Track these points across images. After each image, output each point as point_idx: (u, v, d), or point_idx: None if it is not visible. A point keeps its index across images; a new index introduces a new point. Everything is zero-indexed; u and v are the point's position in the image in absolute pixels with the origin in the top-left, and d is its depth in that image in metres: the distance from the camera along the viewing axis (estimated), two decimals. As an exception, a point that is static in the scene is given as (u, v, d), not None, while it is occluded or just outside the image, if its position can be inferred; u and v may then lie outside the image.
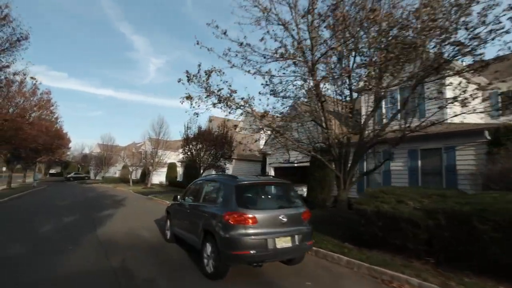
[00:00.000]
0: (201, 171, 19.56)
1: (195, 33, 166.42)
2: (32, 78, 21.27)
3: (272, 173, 18.40)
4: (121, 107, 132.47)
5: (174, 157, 40.39)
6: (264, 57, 7.06)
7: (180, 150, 38.20)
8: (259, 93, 7.51)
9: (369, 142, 7.39)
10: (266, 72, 7.16)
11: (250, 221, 4.10)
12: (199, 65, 7.23)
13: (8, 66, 11.57)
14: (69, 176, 52.12)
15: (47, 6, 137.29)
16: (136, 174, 48.60)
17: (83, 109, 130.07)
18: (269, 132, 10.30)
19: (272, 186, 4.97)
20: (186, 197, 6.23)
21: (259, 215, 4.18)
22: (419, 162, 10.41)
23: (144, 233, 7.78)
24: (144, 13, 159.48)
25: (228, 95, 6.86)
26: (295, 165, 16.25)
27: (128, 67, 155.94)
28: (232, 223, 4.09)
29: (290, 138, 8.21)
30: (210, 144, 18.89)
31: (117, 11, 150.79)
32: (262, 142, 28.22)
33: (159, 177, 45.27)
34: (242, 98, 6.95)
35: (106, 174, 47.23)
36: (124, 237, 7.19)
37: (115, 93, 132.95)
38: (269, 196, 4.79)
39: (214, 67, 6.76)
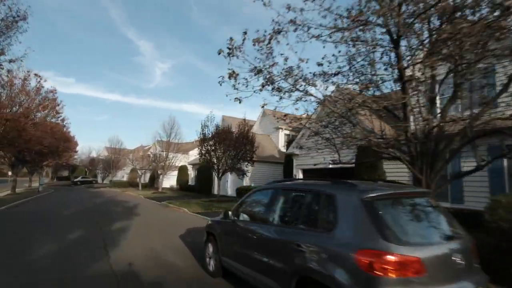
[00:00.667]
0: (219, 174, 17.60)
1: (200, 37, 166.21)
2: (36, 75, 19.76)
3: (300, 176, 16.38)
4: (127, 111, 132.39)
5: (185, 159, 38.71)
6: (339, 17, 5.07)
7: (191, 153, 36.42)
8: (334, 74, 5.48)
9: (475, 132, 5.32)
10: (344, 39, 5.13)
11: (414, 268, 2.11)
12: (245, 33, 5.29)
13: (3, 53, 9.78)
14: (76, 180, 50.81)
15: (55, 12, 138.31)
16: (145, 178, 47.04)
17: (89, 113, 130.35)
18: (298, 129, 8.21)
19: (413, 198, 2.88)
20: (244, 214, 4.16)
21: (425, 255, 2.22)
22: (505, 162, 8.30)
23: (173, 258, 5.80)
24: (150, 18, 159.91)
25: (295, 68, 4.86)
26: (330, 166, 14.23)
27: (135, 71, 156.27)
28: (378, 272, 2.11)
29: (359, 130, 6.19)
30: (230, 144, 16.96)
31: (124, 17, 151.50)
32: (280, 142, 26.26)
33: (168, 180, 43.54)
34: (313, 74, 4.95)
35: (114, 178, 45.70)
36: (147, 265, 5.24)
37: (122, 98, 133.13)
38: (421, 218, 2.73)
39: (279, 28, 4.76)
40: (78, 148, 60.43)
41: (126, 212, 12.64)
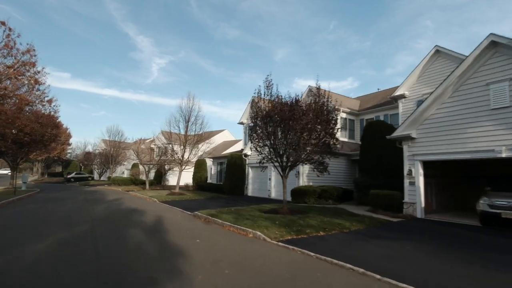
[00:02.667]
0: (286, 170, 11.53)
1: (199, 32, 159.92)
2: (3, 23, 13.49)
3: (419, 172, 10.46)
4: (125, 107, 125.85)
5: (200, 153, 32.71)
6: None
7: (211, 145, 30.22)
8: None
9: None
10: None
11: None
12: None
13: None
14: (69, 176, 44.48)
15: (51, 6, 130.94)
16: (150, 175, 40.89)
17: (86, 109, 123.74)
18: None
19: None
20: None
21: None
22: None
23: None
24: (149, 13, 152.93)
25: None
26: (503, 155, 8.32)
27: (132, 67, 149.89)
28: None
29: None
30: (300, 124, 10.86)
31: (122, 12, 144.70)
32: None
33: (175, 177, 37.59)
34: None
35: (113, 174, 39.45)
36: None
37: (119, 93, 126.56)
38: None
39: None
40: (72, 142, 54.10)
41: (158, 244, 6.65)
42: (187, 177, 40.64)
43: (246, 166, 20.15)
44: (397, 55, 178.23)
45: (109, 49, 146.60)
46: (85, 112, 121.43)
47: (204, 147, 21.50)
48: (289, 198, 15.61)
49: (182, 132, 20.67)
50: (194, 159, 31.78)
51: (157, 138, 41.02)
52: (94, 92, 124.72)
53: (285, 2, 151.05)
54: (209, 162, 27.41)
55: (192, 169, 42.29)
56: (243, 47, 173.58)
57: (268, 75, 11.58)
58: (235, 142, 43.39)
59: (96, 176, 49.03)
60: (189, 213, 11.81)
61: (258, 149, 11.78)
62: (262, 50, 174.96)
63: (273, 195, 17.70)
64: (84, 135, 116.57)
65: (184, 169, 30.54)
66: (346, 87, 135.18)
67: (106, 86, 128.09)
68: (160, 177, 35.40)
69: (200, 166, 25.74)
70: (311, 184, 15.80)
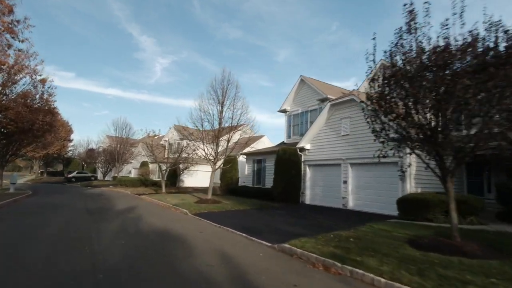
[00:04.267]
0: (455, 166, 6.29)
1: (201, 32, 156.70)
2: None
3: None
4: (127, 106, 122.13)
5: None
6: None
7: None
8: None
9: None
10: None
11: None
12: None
13: None
14: (70, 176, 39.62)
15: (55, 6, 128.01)
16: (160, 175, 35.88)
17: (88, 108, 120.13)
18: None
19: None
20: None
21: None
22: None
23: None
24: (152, 13, 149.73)
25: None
26: None
27: (135, 67, 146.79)
28: None
29: None
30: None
31: (125, 12, 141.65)
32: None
33: (192, 178, 32.57)
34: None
35: (119, 174, 34.45)
36: None
37: (122, 93, 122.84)
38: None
39: None
40: (74, 139, 49.20)
41: None
42: (204, 178, 35.64)
43: (302, 164, 15.00)
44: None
45: (112, 49, 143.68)
46: (87, 111, 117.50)
47: (236, 136, 16.13)
48: (388, 211, 10.42)
49: (216, 119, 15.51)
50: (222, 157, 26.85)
51: (170, 133, 36.12)
52: (96, 91, 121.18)
53: (285, 2, 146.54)
54: (243, 159, 22.25)
55: (210, 168, 37.54)
56: (244, 47, 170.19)
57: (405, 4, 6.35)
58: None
59: (99, 175, 44.11)
60: (267, 244, 6.65)
61: (389, 125, 6.63)
62: (263, 50, 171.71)
63: (352, 204, 12.52)
64: (86, 134, 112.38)
65: (189, 168, 25.57)
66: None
67: (109, 85, 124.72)
68: (174, 177, 30.36)
69: (230, 164, 20.55)
70: (419, 190, 10.62)
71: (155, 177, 34.40)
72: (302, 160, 15.04)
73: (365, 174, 12.16)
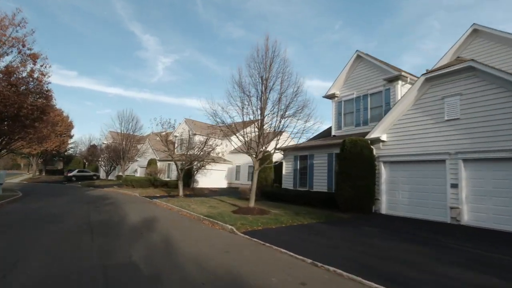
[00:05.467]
0: None
1: (204, 31, 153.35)
2: None
3: None
4: (129, 105, 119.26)
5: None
6: None
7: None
8: None
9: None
10: None
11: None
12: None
13: None
14: (70, 174, 36.01)
15: (57, 4, 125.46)
16: (170, 174, 32.20)
17: (90, 107, 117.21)
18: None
19: None
20: None
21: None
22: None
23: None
24: (154, 12, 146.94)
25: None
26: None
27: (138, 66, 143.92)
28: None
29: None
30: None
31: (128, 10, 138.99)
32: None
33: (208, 178, 28.81)
34: None
35: (125, 173, 30.74)
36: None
37: (124, 92, 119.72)
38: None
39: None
40: (75, 135, 45.14)
41: None
42: (218, 178, 31.92)
43: (376, 161, 11.22)
44: (403, 56, 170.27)
45: (115, 48, 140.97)
46: (90, 110, 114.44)
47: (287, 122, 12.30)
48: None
49: (256, 104, 11.71)
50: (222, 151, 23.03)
51: (180, 128, 32.27)
52: (99, 90, 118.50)
53: (289, 1, 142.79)
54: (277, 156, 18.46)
55: (226, 167, 33.73)
56: (247, 46, 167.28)
57: None
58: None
59: (102, 174, 40.45)
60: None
61: None
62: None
63: (468, 217, 8.71)
64: (88, 132, 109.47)
65: (205, 167, 22.02)
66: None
67: (111, 84, 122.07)
68: (187, 177, 26.61)
69: (264, 163, 16.77)
70: None
71: (164, 177, 30.70)
72: (375, 155, 11.24)
73: (492, 175, 8.36)
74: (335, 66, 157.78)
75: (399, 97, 12.69)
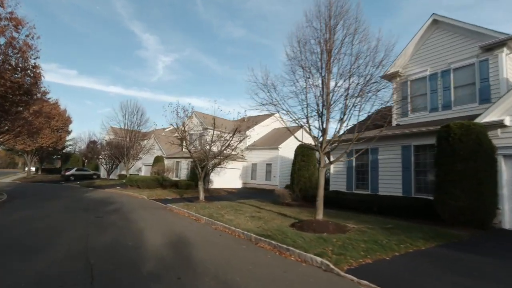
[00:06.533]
0: None
1: (204, 31, 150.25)
2: None
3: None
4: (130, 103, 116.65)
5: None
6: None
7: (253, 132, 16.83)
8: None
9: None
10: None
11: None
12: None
13: None
14: (68, 173, 32.77)
15: (58, 4, 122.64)
16: (179, 173, 28.86)
17: (90, 106, 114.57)
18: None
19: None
20: None
21: None
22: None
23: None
24: (155, 11, 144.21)
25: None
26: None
27: (138, 65, 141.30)
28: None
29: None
30: None
31: (129, 10, 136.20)
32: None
33: (218, 178, 25.49)
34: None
35: (128, 171, 27.45)
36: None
37: (124, 91, 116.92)
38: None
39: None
40: (74, 132, 41.58)
41: None
42: (232, 178, 28.64)
43: (496, 154, 7.92)
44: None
45: (115, 47, 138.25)
46: (89, 109, 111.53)
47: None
48: None
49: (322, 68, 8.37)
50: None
51: (189, 122, 28.57)
52: (99, 89, 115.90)
53: (289, 1, 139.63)
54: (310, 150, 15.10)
55: (240, 165, 30.26)
56: (247, 45, 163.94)
57: None
58: (293, 130, 31.37)
59: (103, 173, 37.19)
60: None
61: None
62: (266, 49, 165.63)
63: None
64: (88, 130, 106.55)
65: (223, 165, 19.24)
66: (353, 84, 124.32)
67: (111, 83, 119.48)
68: (204, 176, 23.32)
69: (303, 158, 13.48)
70: None
71: (173, 176, 27.39)
72: (495, 147, 7.95)
73: None
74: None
75: (504, 70, 9.40)
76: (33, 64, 12.53)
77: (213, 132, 13.98)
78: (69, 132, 39.75)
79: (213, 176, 24.73)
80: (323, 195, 7.98)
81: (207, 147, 14.34)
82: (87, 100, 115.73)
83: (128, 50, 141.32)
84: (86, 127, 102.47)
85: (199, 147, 15.36)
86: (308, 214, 9.58)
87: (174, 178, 26.16)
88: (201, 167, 14.46)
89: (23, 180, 32.93)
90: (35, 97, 12.70)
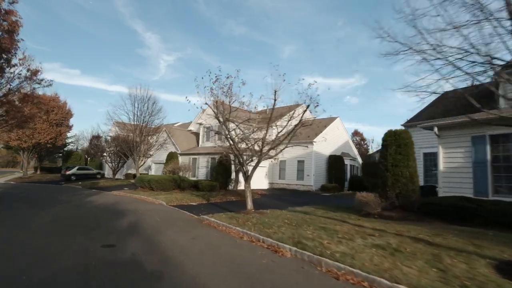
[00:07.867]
0: None
1: (206, 29, 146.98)
2: None
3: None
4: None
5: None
6: None
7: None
8: None
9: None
10: None
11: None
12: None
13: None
14: (69, 173, 28.96)
15: (60, 3, 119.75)
16: (196, 172, 24.92)
17: (92, 105, 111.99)
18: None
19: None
20: None
21: None
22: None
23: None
24: (156, 10, 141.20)
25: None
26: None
27: (140, 64, 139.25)
28: None
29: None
30: None
31: (130, 8, 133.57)
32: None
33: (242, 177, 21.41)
34: None
35: (138, 170, 23.50)
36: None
37: (127, 90, 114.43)
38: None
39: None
40: (76, 129, 37.72)
41: None
42: (257, 177, 24.66)
43: None
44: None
45: (117, 46, 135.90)
46: (91, 108, 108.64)
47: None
48: None
49: None
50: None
51: (204, 115, 24.21)
52: (100, 87, 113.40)
53: None
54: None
55: (266, 163, 25.81)
56: (249, 43, 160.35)
57: None
58: (326, 122, 27.43)
59: (108, 172, 33.42)
60: None
61: None
62: (268, 46, 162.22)
63: None
64: (90, 127, 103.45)
65: (251, 163, 15.10)
66: (354, 84, 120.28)
67: (113, 82, 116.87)
68: (224, 176, 19.41)
69: (399, 149, 9.39)
70: None
71: (190, 176, 23.42)
72: None
73: None
74: (337, 63, 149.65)
75: None
76: (15, 21, 8.56)
77: (272, 113, 9.92)
78: (70, 127, 35.94)
79: (240, 175, 20.77)
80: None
81: (261, 136, 10.34)
82: (88, 99, 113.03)
83: (130, 48, 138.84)
84: (88, 126, 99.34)
85: (211, 143, 11.22)
86: (457, 238, 5.53)
87: (192, 178, 22.23)
88: (242, 164, 10.42)
89: (19, 181, 29.23)
90: (13, 59, 8.74)
